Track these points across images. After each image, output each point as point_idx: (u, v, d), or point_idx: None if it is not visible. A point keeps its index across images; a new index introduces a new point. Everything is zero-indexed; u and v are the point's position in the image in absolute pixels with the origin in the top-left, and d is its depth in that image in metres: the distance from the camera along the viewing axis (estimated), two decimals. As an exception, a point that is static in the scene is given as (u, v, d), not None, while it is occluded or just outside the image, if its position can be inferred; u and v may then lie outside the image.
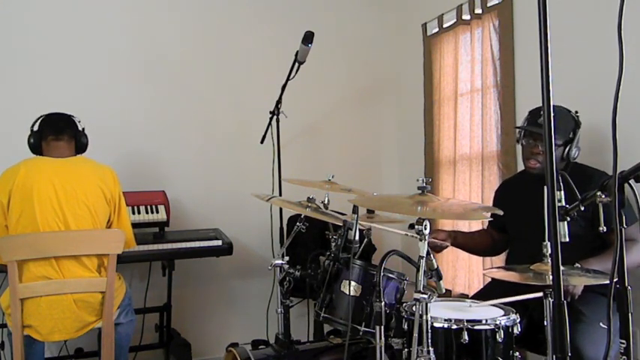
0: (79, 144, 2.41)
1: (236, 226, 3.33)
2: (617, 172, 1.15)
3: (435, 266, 1.67)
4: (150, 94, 3.31)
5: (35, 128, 2.36)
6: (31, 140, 2.35)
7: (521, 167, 2.64)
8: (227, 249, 2.87)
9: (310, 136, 3.69)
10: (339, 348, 2.14)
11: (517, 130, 2.30)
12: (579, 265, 1.84)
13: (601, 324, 1.88)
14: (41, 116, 2.39)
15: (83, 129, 2.44)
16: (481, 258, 2.92)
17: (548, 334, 1.61)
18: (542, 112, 2.13)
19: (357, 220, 1.95)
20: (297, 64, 2.84)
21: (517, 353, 1.66)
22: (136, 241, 2.49)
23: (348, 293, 1.91)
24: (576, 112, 2.17)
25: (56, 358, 2.92)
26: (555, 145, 2.06)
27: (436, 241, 2.28)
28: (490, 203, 2.61)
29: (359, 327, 1.89)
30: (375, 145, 3.89)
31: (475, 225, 2.91)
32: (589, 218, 1.98)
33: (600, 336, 1.82)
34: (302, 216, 2.24)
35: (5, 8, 3.05)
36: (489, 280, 2.42)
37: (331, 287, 1.96)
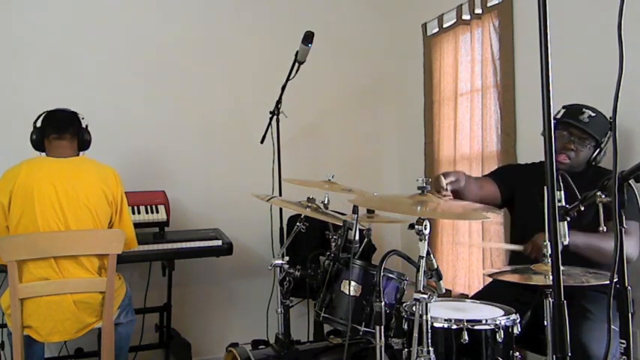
0: (82, 142, 2.38)
1: (236, 226, 3.32)
2: (617, 172, 1.15)
3: (435, 266, 1.67)
4: (150, 94, 3.31)
5: (38, 124, 2.34)
6: (34, 137, 2.33)
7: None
8: (227, 249, 2.87)
9: (310, 136, 3.68)
10: (339, 348, 2.14)
11: (555, 119, 2.15)
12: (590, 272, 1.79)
13: None
14: (44, 112, 2.36)
15: (87, 126, 2.41)
16: (481, 258, 2.92)
17: (548, 334, 1.62)
18: (584, 111, 2.14)
19: (357, 220, 1.95)
20: (297, 64, 2.84)
21: (517, 353, 1.66)
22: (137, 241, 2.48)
23: (348, 293, 1.92)
24: (611, 117, 2.13)
25: (56, 358, 2.92)
26: (586, 144, 2.11)
27: (443, 182, 1.96)
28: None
29: (359, 327, 1.89)
30: (375, 145, 3.89)
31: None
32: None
33: (606, 334, 1.83)
34: (302, 216, 2.24)
35: (6, 7, 3.05)
36: (489, 280, 2.41)
37: (331, 287, 1.96)
